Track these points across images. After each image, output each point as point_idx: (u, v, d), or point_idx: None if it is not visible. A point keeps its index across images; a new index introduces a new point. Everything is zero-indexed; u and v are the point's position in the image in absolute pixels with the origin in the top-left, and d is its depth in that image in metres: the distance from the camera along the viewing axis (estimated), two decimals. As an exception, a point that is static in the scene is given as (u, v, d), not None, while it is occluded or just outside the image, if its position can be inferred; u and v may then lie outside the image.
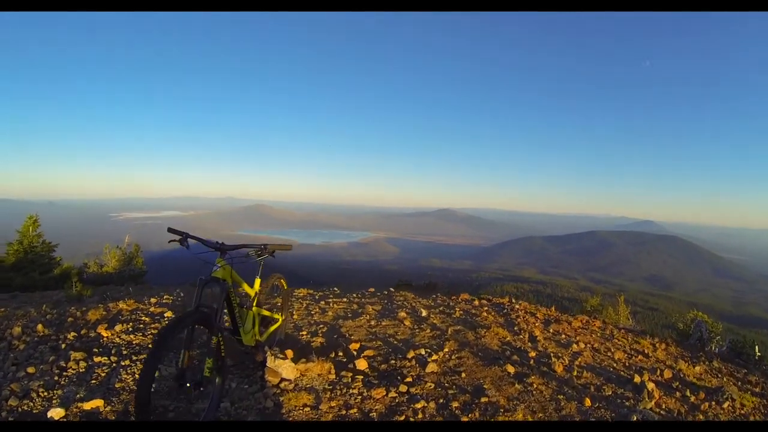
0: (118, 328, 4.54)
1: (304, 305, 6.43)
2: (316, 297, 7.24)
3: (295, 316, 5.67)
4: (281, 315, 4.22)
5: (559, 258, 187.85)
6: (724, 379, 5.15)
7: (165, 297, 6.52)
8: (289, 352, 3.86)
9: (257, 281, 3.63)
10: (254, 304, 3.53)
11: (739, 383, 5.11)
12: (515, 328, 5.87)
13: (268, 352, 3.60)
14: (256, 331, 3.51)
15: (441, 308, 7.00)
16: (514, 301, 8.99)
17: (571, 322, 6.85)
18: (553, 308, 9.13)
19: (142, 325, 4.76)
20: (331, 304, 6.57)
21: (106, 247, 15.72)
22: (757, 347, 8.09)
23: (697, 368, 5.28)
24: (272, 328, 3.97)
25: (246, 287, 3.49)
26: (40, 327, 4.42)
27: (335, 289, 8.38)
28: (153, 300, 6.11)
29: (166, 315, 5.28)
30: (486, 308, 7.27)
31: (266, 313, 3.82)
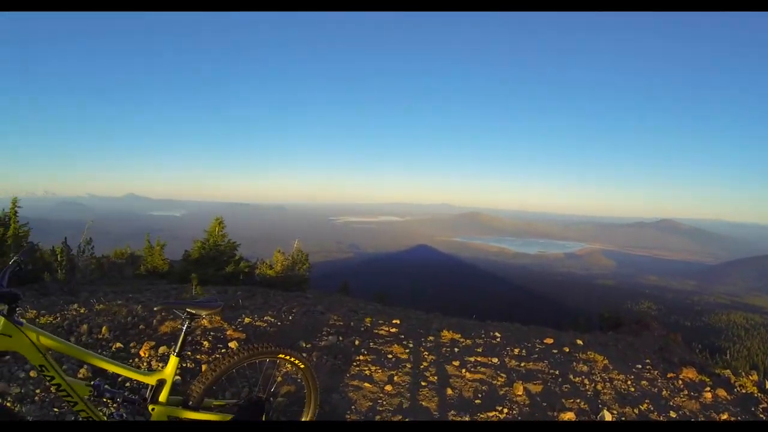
0: (161, 350, 3.68)
1: (425, 365, 4.38)
2: (458, 348, 5.01)
3: (388, 387, 3.68)
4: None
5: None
6: None
7: (267, 315, 5.66)
8: None
9: (172, 361, 1.94)
10: (161, 398, 1.89)
11: None
12: None
13: None
14: None
15: (645, 403, 3.95)
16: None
17: None
18: None
19: (190, 353, 3.81)
20: (464, 370, 4.29)
21: (277, 250, 17.21)
22: None
23: None
24: None
25: (118, 369, 1.87)
26: (104, 329, 3.98)
27: (496, 334, 5.89)
28: (247, 320, 5.21)
29: (230, 344, 4.19)
30: (727, 415, 3.78)
31: (211, 416, 2.03)
